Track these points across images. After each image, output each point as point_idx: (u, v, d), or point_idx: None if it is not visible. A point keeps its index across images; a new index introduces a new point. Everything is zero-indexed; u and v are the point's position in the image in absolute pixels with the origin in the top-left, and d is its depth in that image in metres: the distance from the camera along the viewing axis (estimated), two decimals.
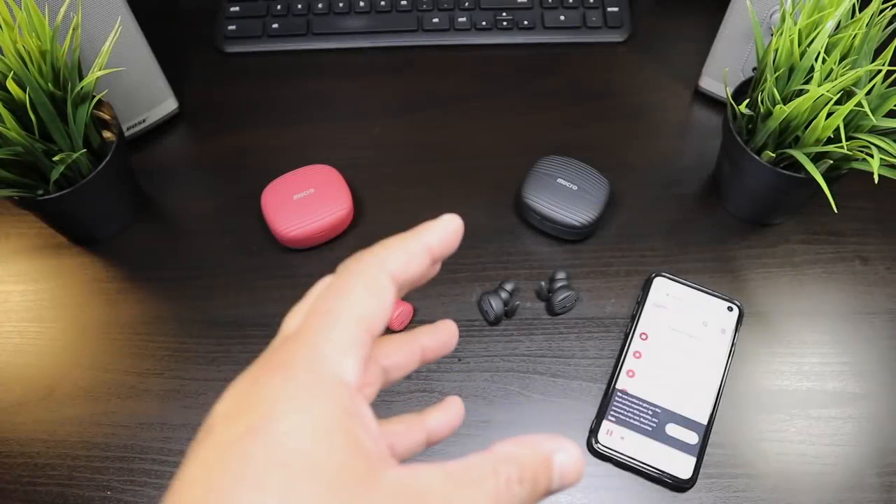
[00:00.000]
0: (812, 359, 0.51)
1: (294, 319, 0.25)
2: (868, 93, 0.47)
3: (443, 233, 0.26)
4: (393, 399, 0.50)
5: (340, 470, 0.20)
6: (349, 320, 0.23)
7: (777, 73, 0.48)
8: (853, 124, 0.47)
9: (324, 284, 0.25)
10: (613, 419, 0.48)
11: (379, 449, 0.21)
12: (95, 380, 0.52)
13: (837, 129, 0.46)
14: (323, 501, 0.19)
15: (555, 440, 0.23)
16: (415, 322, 0.53)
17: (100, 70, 0.49)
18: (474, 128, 0.63)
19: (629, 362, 0.51)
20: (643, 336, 0.51)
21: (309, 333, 0.22)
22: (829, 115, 0.45)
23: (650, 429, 0.48)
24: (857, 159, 0.47)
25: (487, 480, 0.21)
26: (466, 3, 0.69)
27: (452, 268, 0.56)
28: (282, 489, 0.19)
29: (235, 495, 0.19)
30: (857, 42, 0.46)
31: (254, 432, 0.20)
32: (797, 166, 0.49)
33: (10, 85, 0.45)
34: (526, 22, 0.68)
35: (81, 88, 0.49)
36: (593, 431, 0.48)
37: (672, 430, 0.48)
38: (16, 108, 0.47)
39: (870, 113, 0.44)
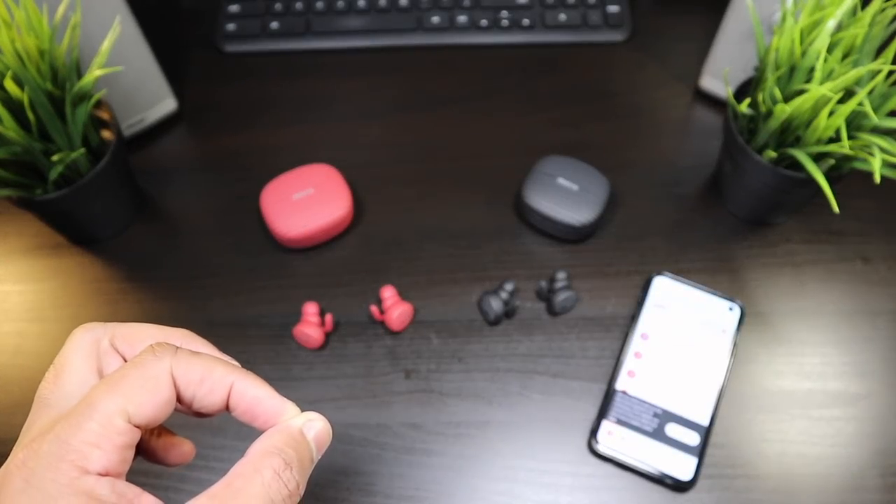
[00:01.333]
0: (813, 359, 0.51)
1: (50, 383, 0.25)
2: (870, 92, 0.47)
3: (260, 398, 0.26)
4: (393, 399, 0.50)
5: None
6: (111, 415, 0.22)
7: (778, 73, 0.48)
8: (854, 124, 0.47)
9: (87, 339, 0.25)
10: (614, 419, 0.48)
11: None
12: None
13: (839, 128, 0.45)
14: None
15: (299, 416, 0.25)
16: (415, 322, 0.53)
17: (99, 69, 0.48)
18: (474, 128, 0.63)
19: (629, 362, 0.50)
20: (644, 336, 0.51)
21: (60, 426, 0.22)
22: (830, 114, 0.45)
23: (651, 429, 0.48)
24: (858, 159, 0.47)
25: (253, 483, 0.22)
26: (466, 3, 0.69)
27: (452, 268, 0.56)
28: None
29: None
30: (858, 41, 0.46)
31: None
32: (798, 166, 0.49)
33: (9, 84, 0.45)
34: (526, 21, 0.68)
35: (80, 88, 0.48)
36: (593, 432, 0.48)
37: (673, 430, 0.48)
38: (14, 108, 0.46)
39: (871, 112, 0.43)
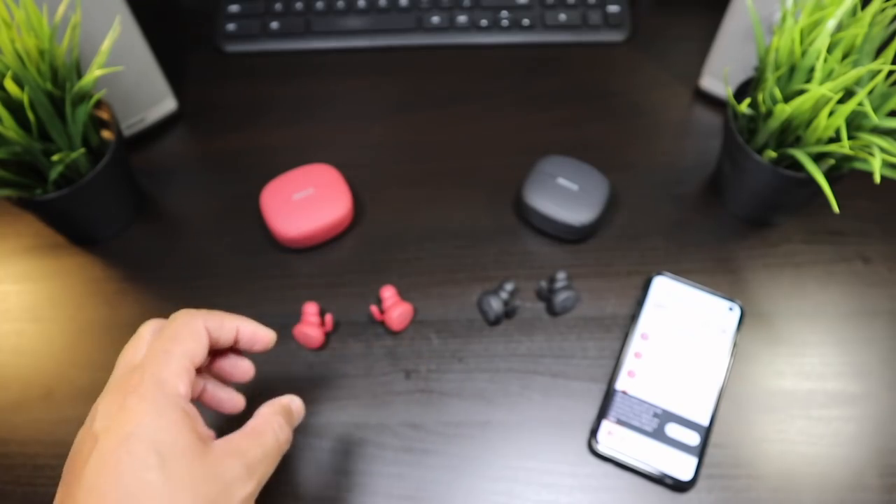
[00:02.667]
0: (813, 359, 0.51)
1: (136, 353, 0.36)
2: (870, 92, 0.47)
3: (254, 330, 0.40)
4: (393, 399, 0.50)
5: (189, 447, 0.32)
6: (180, 357, 0.35)
7: (778, 73, 0.48)
8: (854, 124, 0.47)
9: (151, 326, 0.38)
10: (614, 419, 0.48)
11: (207, 432, 0.35)
12: (94, 380, 0.52)
13: (839, 128, 0.45)
14: (185, 467, 0.32)
15: (285, 397, 0.40)
16: (415, 322, 0.53)
17: (99, 69, 0.48)
18: (474, 128, 0.63)
19: (630, 362, 0.50)
20: (644, 336, 0.51)
21: (152, 366, 0.34)
22: (830, 114, 0.45)
23: (651, 429, 0.48)
24: (858, 159, 0.47)
25: (266, 430, 0.36)
26: (466, 3, 0.69)
27: (452, 268, 0.56)
28: (159, 466, 0.31)
29: (129, 475, 0.31)
30: (858, 41, 0.46)
31: (132, 435, 0.32)
32: (798, 166, 0.49)
33: (9, 84, 0.45)
34: (526, 21, 0.68)
35: (80, 88, 0.48)
36: (594, 432, 0.48)
37: (673, 430, 0.48)
38: (14, 108, 0.46)
39: (871, 113, 0.43)
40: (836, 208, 0.45)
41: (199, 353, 0.36)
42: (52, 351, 0.53)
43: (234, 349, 0.42)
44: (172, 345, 0.35)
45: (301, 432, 0.49)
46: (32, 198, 0.50)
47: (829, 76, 0.46)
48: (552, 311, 0.53)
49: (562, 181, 0.56)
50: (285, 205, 0.56)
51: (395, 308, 0.52)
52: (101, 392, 0.51)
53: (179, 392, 0.34)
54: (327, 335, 0.53)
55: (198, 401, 0.40)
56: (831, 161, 0.48)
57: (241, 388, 0.45)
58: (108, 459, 0.31)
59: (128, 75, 0.57)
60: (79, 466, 0.32)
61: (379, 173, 0.61)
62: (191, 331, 0.36)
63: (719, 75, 0.62)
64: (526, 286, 0.55)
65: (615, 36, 0.68)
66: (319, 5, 0.69)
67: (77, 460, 0.32)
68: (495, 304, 0.52)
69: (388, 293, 0.53)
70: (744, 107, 0.49)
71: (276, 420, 0.37)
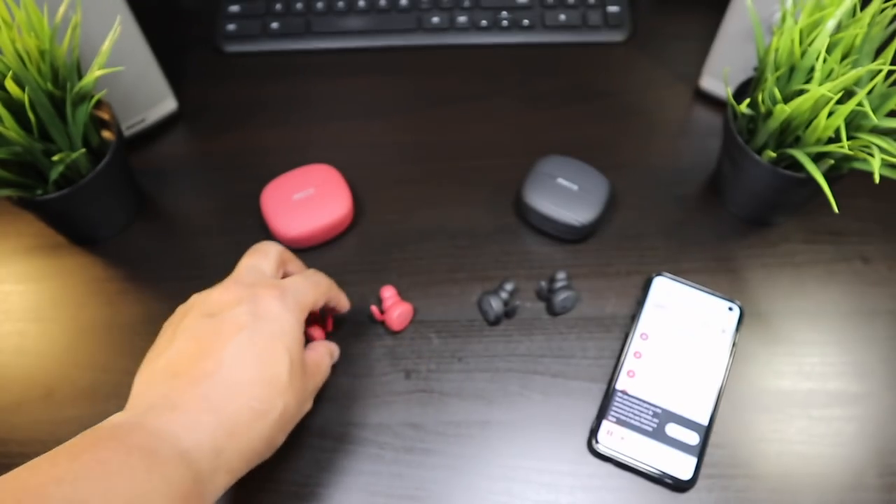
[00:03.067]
0: (813, 359, 0.51)
1: (262, 263, 0.44)
2: (869, 92, 0.47)
3: (342, 304, 0.49)
4: (393, 399, 0.50)
5: (302, 362, 0.41)
6: (314, 297, 0.44)
7: (778, 73, 0.48)
8: (854, 124, 0.47)
9: (276, 248, 0.46)
10: (614, 419, 0.48)
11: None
12: (95, 380, 0.52)
13: (838, 128, 0.46)
14: (298, 375, 0.40)
15: (325, 342, 0.47)
16: (415, 322, 0.53)
17: (99, 69, 0.48)
18: (474, 128, 0.63)
19: (629, 362, 0.50)
20: (643, 336, 0.51)
21: (297, 292, 0.43)
22: (829, 114, 0.45)
23: (650, 429, 0.48)
24: (858, 159, 0.47)
25: (321, 362, 0.45)
26: (466, 3, 0.69)
27: (452, 268, 0.56)
28: (288, 365, 0.39)
29: (268, 363, 0.39)
30: (858, 41, 0.46)
31: (276, 336, 0.39)
32: (798, 166, 0.49)
33: (9, 84, 0.45)
34: (526, 21, 0.68)
35: (80, 88, 0.48)
36: (593, 431, 0.48)
37: (672, 430, 0.48)
38: (15, 108, 0.46)
39: (871, 113, 0.43)
40: (835, 208, 0.45)
41: (319, 304, 0.45)
42: (54, 351, 0.53)
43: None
44: (313, 286, 0.44)
45: (301, 432, 0.49)
46: (33, 198, 0.50)
47: (828, 76, 0.46)
48: (552, 310, 0.53)
49: (562, 181, 0.56)
50: (285, 205, 0.56)
51: (395, 308, 0.52)
52: (101, 392, 0.52)
53: (302, 320, 0.42)
54: (327, 335, 0.53)
55: None
56: (831, 161, 0.48)
57: None
58: (255, 343, 0.38)
59: (128, 75, 0.57)
60: (222, 336, 0.38)
61: (379, 173, 0.61)
62: (324, 289, 0.45)
63: (719, 75, 0.62)
64: (526, 286, 0.55)
65: (615, 36, 0.68)
66: (319, 5, 0.70)
67: (221, 329, 0.39)
68: (495, 304, 0.52)
69: (388, 293, 0.53)
70: (743, 107, 0.49)
71: (326, 361, 0.45)
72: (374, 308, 0.52)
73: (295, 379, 0.40)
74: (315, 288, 0.44)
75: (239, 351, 0.38)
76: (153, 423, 0.35)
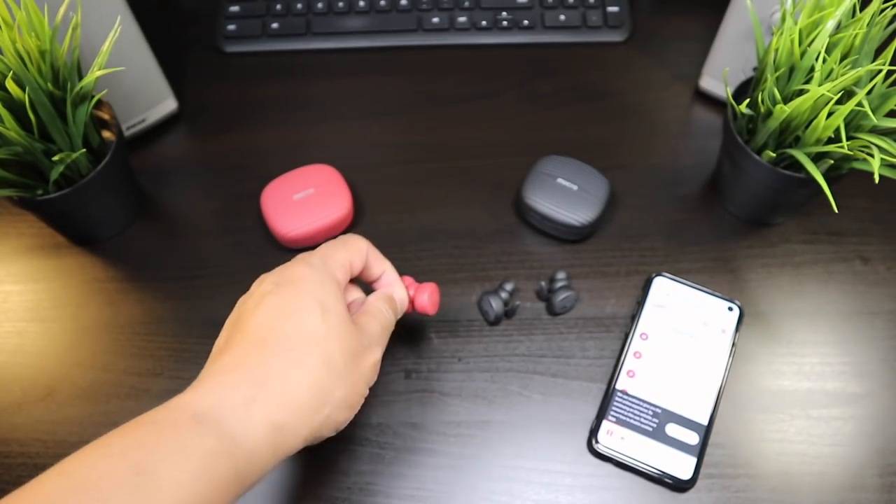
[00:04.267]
0: (812, 359, 0.51)
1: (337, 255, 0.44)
2: (869, 93, 0.47)
3: (394, 280, 0.47)
4: (393, 399, 0.50)
5: (342, 311, 0.40)
6: (344, 255, 0.43)
7: (777, 73, 0.48)
8: (854, 124, 0.47)
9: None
10: (613, 419, 0.48)
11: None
12: (95, 380, 0.52)
13: (838, 128, 0.46)
14: (339, 323, 0.39)
15: (392, 287, 0.46)
16: (415, 322, 0.53)
17: (99, 70, 0.49)
18: (474, 128, 0.63)
19: (629, 362, 0.50)
20: (643, 336, 0.51)
21: (322, 251, 0.43)
22: (829, 114, 0.45)
23: (650, 429, 0.48)
24: (857, 159, 0.47)
25: (379, 307, 0.44)
26: (466, 3, 0.69)
27: (452, 268, 0.56)
28: (322, 314, 0.39)
29: (297, 316, 0.38)
30: (857, 42, 0.46)
31: (301, 289, 0.39)
32: (797, 166, 0.49)
33: (10, 85, 0.45)
34: (526, 22, 0.68)
35: (81, 88, 0.48)
36: (593, 431, 0.48)
37: (672, 430, 0.48)
38: (15, 108, 0.46)
39: (870, 113, 0.43)
40: (835, 208, 0.45)
41: (357, 263, 0.44)
42: (54, 351, 0.53)
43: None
44: (342, 245, 0.44)
45: None
46: (33, 198, 0.50)
47: (828, 77, 0.46)
48: (552, 310, 0.53)
49: (562, 181, 0.56)
50: (285, 205, 0.56)
51: (421, 291, 0.47)
52: (101, 392, 0.52)
53: (337, 276, 0.41)
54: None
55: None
56: (830, 161, 0.48)
57: None
58: (279, 303, 0.39)
59: (128, 76, 0.57)
60: (249, 310, 0.39)
61: (379, 173, 0.61)
62: (356, 246, 0.44)
63: (719, 76, 0.62)
64: (526, 286, 0.55)
65: (615, 36, 0.68)
66: (319, 6, 0.70)
67: (248, 305, 0.39)
68: (495, 304, 0.52)
69: (407, 282, 0.49)
70: (743, 107, 0.49)
71: (384, 304, 0.44)
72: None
73: (335, 327, 0.39)
74: (343, 246, 0.43)
75: (264, 316, 0.38)
76: (172, 403, 0.35)
